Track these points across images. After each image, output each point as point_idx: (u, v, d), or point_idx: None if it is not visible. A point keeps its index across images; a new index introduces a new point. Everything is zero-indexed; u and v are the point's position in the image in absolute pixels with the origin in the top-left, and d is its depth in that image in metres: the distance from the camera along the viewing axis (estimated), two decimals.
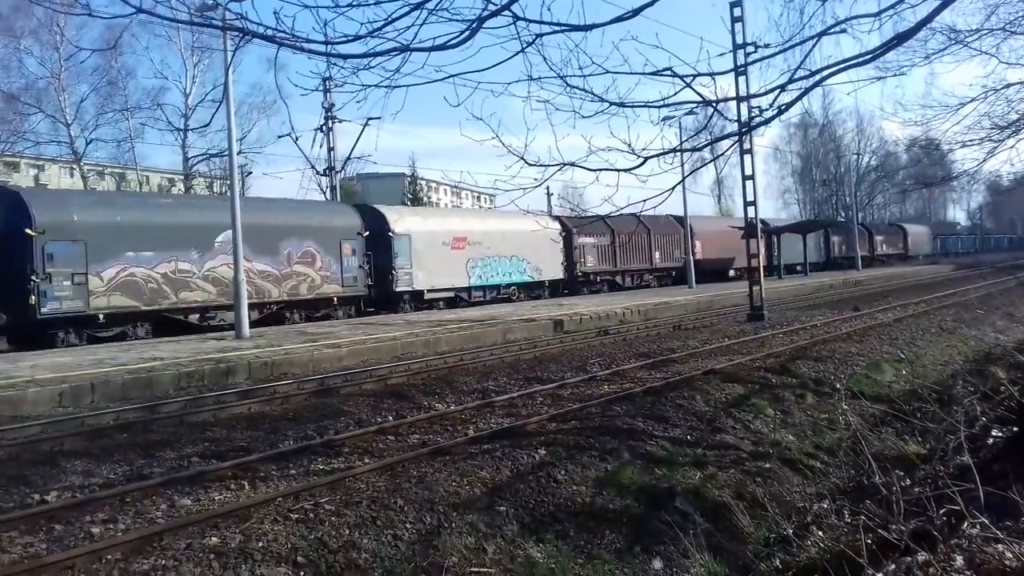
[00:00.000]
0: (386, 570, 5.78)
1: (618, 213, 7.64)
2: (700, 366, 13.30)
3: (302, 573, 5.56)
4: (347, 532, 6.16)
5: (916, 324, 19.60)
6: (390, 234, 26.80)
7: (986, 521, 4.71)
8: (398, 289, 26.86)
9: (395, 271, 26.77)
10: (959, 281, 37.33)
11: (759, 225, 22.97)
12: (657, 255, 40.37)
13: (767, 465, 8.78)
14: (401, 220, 27.72)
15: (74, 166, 42.72)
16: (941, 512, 5.07)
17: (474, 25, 5.22)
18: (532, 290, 33.42)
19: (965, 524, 4.83)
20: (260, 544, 5.77)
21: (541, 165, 6.59)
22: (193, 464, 8.12)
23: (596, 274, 36.80)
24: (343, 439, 8.86)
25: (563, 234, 33.02)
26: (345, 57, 5.37)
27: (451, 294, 29.17)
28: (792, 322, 20.41)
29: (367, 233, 26.06)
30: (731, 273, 44.05)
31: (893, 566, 4.63)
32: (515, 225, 31.81)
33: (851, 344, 15.98)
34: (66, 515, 6.45)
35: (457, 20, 5.22)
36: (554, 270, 33.98)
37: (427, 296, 28.13)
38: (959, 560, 4.49)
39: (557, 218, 34.28)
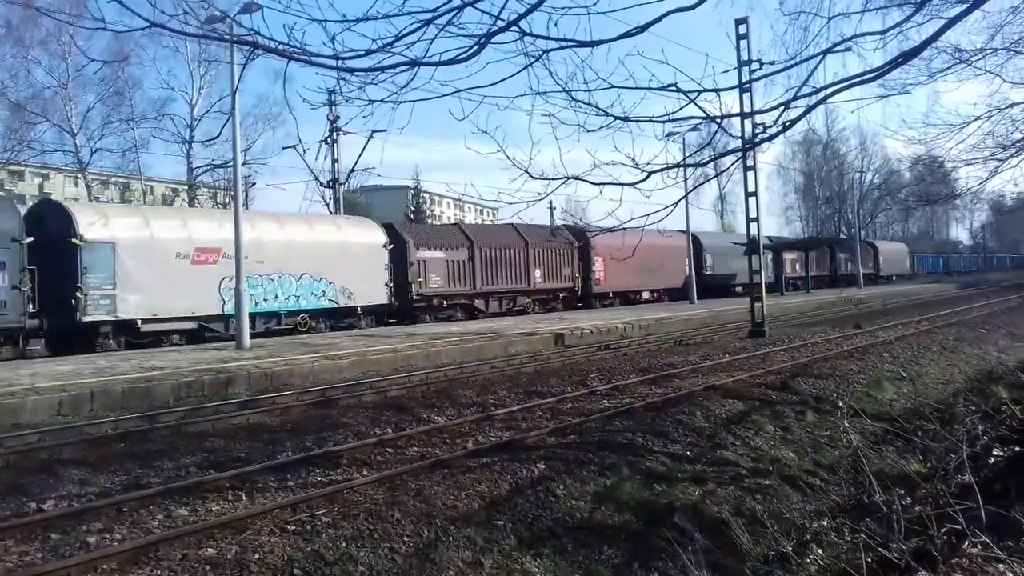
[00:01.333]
0: None
1: (621, 228, 7.63)
2: (700, 382, 13.27)
3: None
4: (344, 545, 6.13)
5: (917, 342, 19.55)
6: (76, 241, 19.24)
7: (987, 540, 4.68)
8: (88, 319, 19.37)
9: (83, 293, 19.20)
10: (959, 300, 37.28)
11: (756, 242, 22.91)
12: (538, 274, 32.41)
13: (767, 482, 8.74)
14: (101, 222, 20.07)
15: (79, 175, 42.88)
16: (942, 531, 5.03)
17: (482, 40, 5.24)
18: (340, 319, 25.76)
19: (966, 543, 4.80)
20: (256, 556, 5.74)
21: (545, 179, 6.60)
22: (191, 474, 8.09)
23: (444, 297, 28.89)
24: (342, 451, 8.83)
25: (390, 246, 26.83)
26: (354, 71, 5.38)
27: (192, 324, 21.65)
28: (793, 339, 20.38)
29: (30, 240, 18.73)
30: (645, 295, 39.08)
31: None
32: (310, 233, 25.09)
33: (852, 361, 15.94)
34: (62, 524, 6.42)
35: (465, 35, 5.25)
36: (375, 293, 26.17)
37: (144, 328, 20.40)
38: None
39: (388, 226, 27.98)
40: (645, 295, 38.94)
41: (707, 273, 42.69)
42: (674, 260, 38.26)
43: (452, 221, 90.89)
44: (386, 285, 26.61)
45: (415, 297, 27.85)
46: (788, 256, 50.98)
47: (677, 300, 38.21)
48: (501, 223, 35.66)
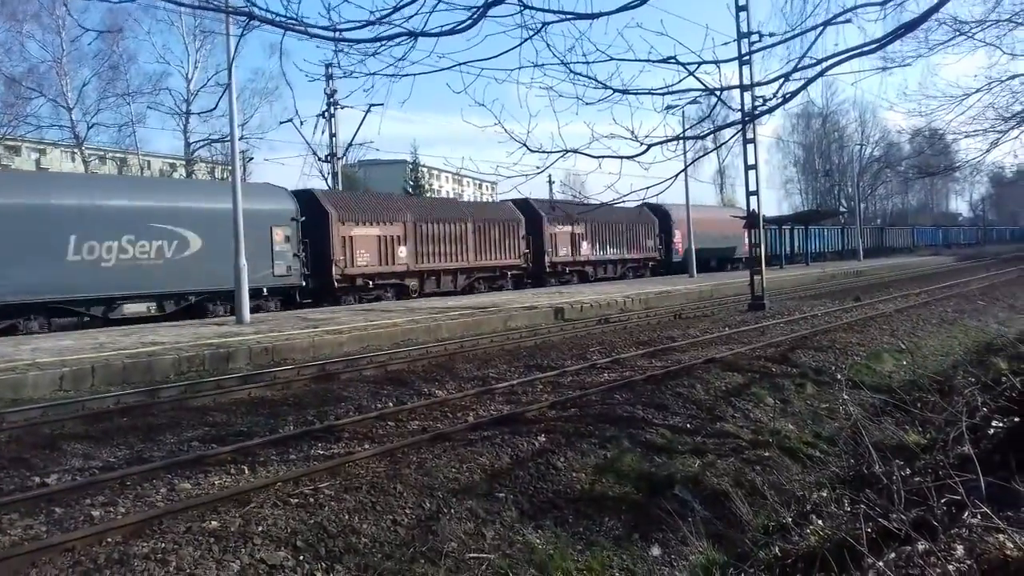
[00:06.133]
0: (385, 555, 5.78)
1: (620, 200, 7.62)
2: (700, 355, 13.29)
3: (301, 557, 5.56)
4: (346, 517, 6.16)
5: (917, 314, 19.57)
6: None
7: (987, 511, 4.70)
8: None
9: None
10: (958, 272, 37.28)
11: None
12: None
13: (766, 454, 8.78)
14: None
15: (76, 150, 42.68)
16: (942, 501, 5.05)
17: (480, 10, 5.20)
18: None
19: (966, 514, 4.82)
20: (260, 528, 5.77)
21: (543, 152, 6.59)
22: (193, 448, 8.12)
23: None
24: (343, 424, 8.85)
25: None
26: (352, 43, 5.34)
27: None
28: (793, 312, 20.40)
29: None
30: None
31: (893, 555, 4.62)
32: None
33: (852, 334, 15.96)
34: (66, 498, 6.45)
35: (463, 7, 5.20)
36: None
37: None
38: (960, 549, 4.48)
39: None
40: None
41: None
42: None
43: (451, 195, 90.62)
44: None
45: None
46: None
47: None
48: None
